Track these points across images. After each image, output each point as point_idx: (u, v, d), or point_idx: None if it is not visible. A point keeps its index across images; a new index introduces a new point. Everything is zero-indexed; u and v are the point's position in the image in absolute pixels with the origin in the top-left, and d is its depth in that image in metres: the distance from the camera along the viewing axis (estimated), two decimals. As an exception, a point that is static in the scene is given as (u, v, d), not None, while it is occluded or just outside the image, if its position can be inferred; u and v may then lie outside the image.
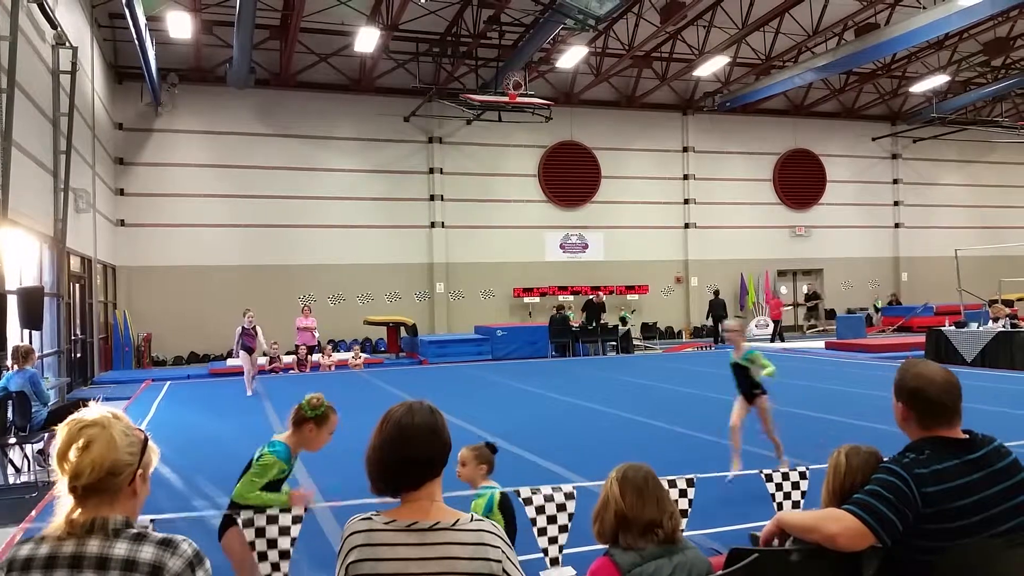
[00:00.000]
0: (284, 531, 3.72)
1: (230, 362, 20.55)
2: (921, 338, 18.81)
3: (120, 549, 1.81)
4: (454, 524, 2.09)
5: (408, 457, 2.12)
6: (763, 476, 4.78)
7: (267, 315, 19.63)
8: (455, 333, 23.88)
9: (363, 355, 20.36)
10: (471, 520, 2.12)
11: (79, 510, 1.84)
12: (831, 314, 29.22)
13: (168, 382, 17.10)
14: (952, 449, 2.59)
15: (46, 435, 8.64)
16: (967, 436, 2.65)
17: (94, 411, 1.91)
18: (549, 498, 4.26)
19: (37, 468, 8.39)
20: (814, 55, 22.93)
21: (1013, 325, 16.17)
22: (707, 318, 26.22)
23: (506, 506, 4.21)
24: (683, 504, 4.40)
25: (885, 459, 2.69)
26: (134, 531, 1.87)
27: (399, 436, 2.12)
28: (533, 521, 4.21)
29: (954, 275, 20.51)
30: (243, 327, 14.88)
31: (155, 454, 2.01)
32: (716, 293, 26.31)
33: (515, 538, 4.28)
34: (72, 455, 1.83)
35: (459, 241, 25.52)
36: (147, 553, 1.82)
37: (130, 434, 1.91)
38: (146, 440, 1.97)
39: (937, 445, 2.60)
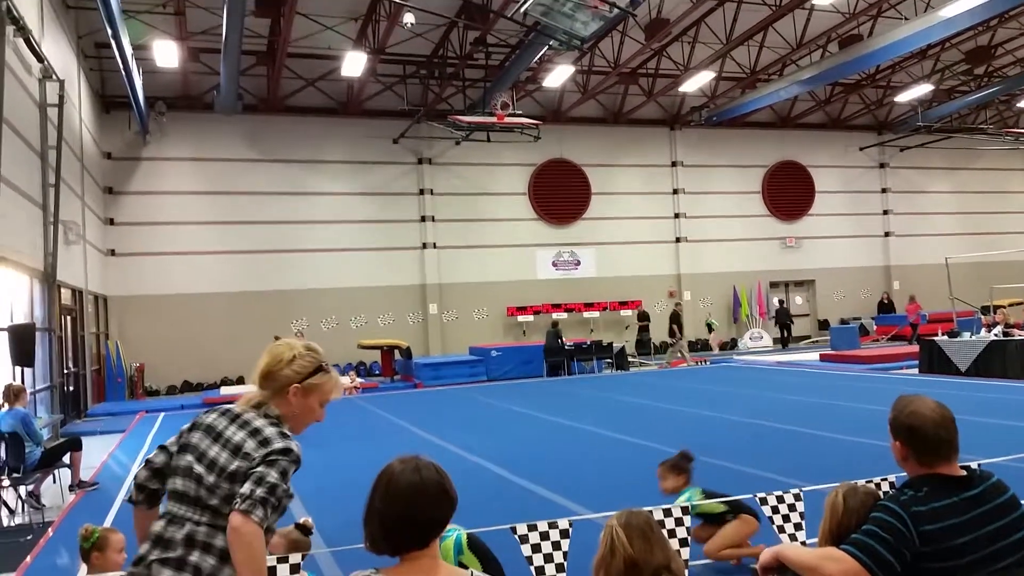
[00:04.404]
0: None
1: (224, 391, 20.42)
2: (915, 348, 18.79)
3: (249, 415, 2.39)
4: (456, 585, 2.07)
5: (419, 519, 2.05)
6: (757, 499, 4.76)
7: (260, 342, 19.48)
8: (450, 354, 23.81)
9: (359, 379, 20.26)
10: (473, 580, 2.10)
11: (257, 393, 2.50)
12: (824, 325, 29.30)
13: (162, 414, 16.89)
14: (951, 486, 2.59)
15: (39, 475, 8.54)
16: (965, 473, 2.65)
17: (293, 339, 2.65)
18: (545, 535, 4.21)
19: (31, 510, 8.26)
20: (799, 68, 23.09)
21: (1005, 333, 16.09)
22: (775, 326, 27.84)
23: (476, 545, 4.14)
24: (682, 533, 4.38)
25: (883, 496, 2.69)
26: (273, 417, 2.44)
27: (407, 497, 2.04)
28: (529, 560, 4.16)
29: (945, 282, 20.56)
30: None
31: (330, 382, 2.57)
32: (781, 303, 28.03)
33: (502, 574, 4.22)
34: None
35: (451, 261, 25.51)
36: (260, 423, 2.38)
37: (302, 358, 2.51)
38: (320, 367, 2.54)
39: (935, 482, 2.59)
